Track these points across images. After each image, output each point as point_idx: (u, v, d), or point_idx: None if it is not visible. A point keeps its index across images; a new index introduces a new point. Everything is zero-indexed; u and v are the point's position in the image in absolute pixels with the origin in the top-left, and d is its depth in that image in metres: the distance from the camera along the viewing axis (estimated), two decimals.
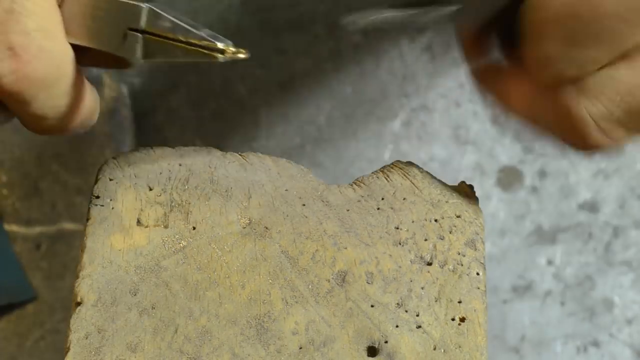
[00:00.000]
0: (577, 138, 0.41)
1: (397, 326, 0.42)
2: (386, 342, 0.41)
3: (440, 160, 0.78)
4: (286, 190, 0.45)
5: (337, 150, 0.78)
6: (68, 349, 0.40)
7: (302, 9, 0.81)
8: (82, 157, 0.80)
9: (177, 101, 0.79)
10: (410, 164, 0.46)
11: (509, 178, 0.78)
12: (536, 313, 0.74)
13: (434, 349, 0.41)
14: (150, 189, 0.44)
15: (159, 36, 0.41)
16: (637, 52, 0.40)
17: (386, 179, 0.45)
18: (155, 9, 0.41)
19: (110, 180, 0.44)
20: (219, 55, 0.41)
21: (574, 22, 0.39)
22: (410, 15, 0.42)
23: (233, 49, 0.41)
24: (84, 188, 0.78)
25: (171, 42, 0.41)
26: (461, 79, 0.80)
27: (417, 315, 0.42)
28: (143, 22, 0.40)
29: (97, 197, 0.44)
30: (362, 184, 0.45)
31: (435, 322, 0.42)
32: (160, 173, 0.44)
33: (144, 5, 0.41)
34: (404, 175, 0.45)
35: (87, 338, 0.41)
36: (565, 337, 0.74)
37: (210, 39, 0.41)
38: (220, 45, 0.41)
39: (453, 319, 0.42)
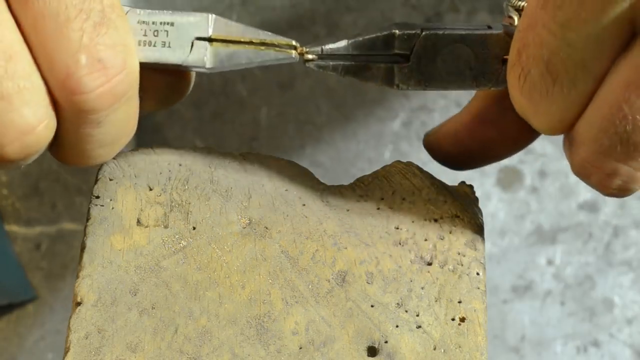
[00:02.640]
0: (600, 190, 0.41)
1: (397, 326, 0.42)
2: (386, 342, 0.41)
3: None
4: (286, 190, 0.45)
5: (337, 150, 0.78)
6: (68, 349, 0.41)
7: (302, 9, 0.81)
8: None
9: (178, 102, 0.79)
10: (410, 164, 0.46)
11: (509, 178, 0.78)
12: (536, 313, 0.74)
13: (434, 349, 0.41)
14: (150, 189, 0.44)
15: (229, 41, 0.40)
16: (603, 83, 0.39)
17: (386, 179, 0.45)
18: (219, 17, 0.40)
19: (110, 180, 0.44)
20: (293, 52, 0.41)
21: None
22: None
23: (302, 47, 0.41)
24: (84, 188, 0.78)
25: (242, 45, 0.41)
26: None
27: (417, 315, 0.42)
28: (210, 30, 0.40)
29: (97, 197, 0.44)
30: (362, 184, 0.45)
31: (435, 322, 0.42)
32: (160, 173, 0.44)
33: (211, 15, 0.40)
34: (404, 175, 0.45)
35: (87, 338, 0.41)
36: (565, 337, 0.74)
37: (283, 37, 0.41)
38: (294, 42, 0.41)
39: (453, 319, 0.42)
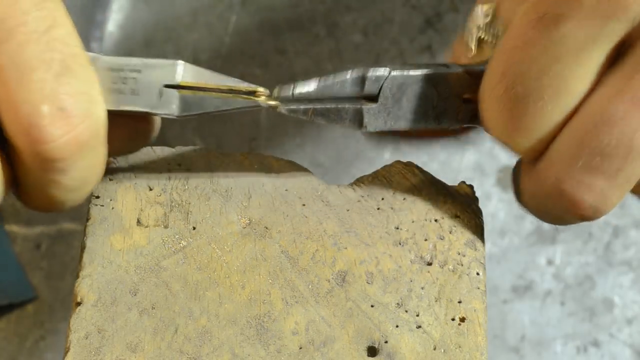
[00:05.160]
0: (571, 210, 0.41)
1: (397, 326, 0.42)
2: (386, 342, 0.41)
3: (440, 160, 0.78)
4: (286, 190, 0.45)
5: (337, 150, 0.78)
6: (68, 349, 0.41)
7: (302, 9, 0.81)
8: None
9: None
10: (410, 164, 0.46)
11: (509, 178, 0.78)
12: (536, 313, 0.74)
13: (434, 349, 0.41)
14: (150, 189, 0.44)
15: (196, 89, 0.41)
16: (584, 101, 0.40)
17: (386, 179, 0.45)
18: (187, 64, 0.41)
19: (110, 180, 0.44)
20: (261, 98, 0.41)
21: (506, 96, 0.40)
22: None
23: (269, 96, 0.41)
24: None
25: (209, 92, 0.41)
26: None
27: (417, 315, 0.42)
28: (179, 77, 0.40)
29: (97, 197, 0.44)
30: (362, 184, 0.45)
31: (435, 322, 0.42)
32: (160, 173, 0.44)
33: (179, 61, 0.40)
34: (404, 175, 0.45)
35: (87, 338, 0.41)
36: (565, 337, 0.73)
37: (250, 84, 0.41)
38: (261, 89, 0.41)
39: (453, 319, 0.42)
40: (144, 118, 0.42)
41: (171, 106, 0.41)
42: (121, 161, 0.45)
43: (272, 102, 0.42)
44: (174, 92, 0.41)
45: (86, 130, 0.38)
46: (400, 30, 0.81)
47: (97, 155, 0.40)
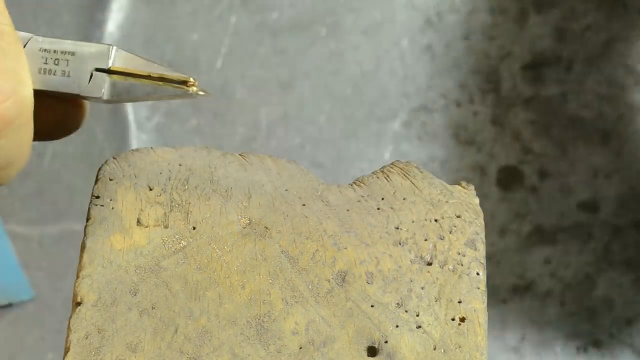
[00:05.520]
0: None
1: (397, 326, 0.42)
2: (386, 342, 0.41)
3: (440, 160, 0.78)
4: (286, 190, 0.45)
5: (337, 150, 0.78)
6: (68, 349, 0.41)
7: (302, 9, 0.81)
8: (82, 157, 0.80)
9: (177, 101, 0.79)
10: (410, 164, 0.46)
11: (509, 178, 0.78)
12: (536, 313, 0.74)
13: (434, 349, 0.41)
14: (150, 189, 0.44)
15: (127, 74, 0.41)
16: None
17: (386, 179, 0.45)
18: (121, 49, 0.41)
19: (110, 180, 0.44)
20: (192, 88, 0.41)
21: None
22: None
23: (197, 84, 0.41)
24: (84, 188, 0.78)
25: (140, 79, 0.41)
26: (461, 79, 0.80)
27: (417, 315, 0.42)
28: (110, 62, 0.40)
29: (97, 197, 0.44)
30: (362, 184, 0.45)
31: (435, 322, 0.42)
32: (160, 173, 0.44)
33: (111, 46, 0.41)
34: (404, 175, 0.45)
35: (87, 338, 0.41)
36: (565, 337, 0.74)
37: (181, 74, 0.41)
38: (191, 79, 0.41)
39: (453, 319, 0.42)
40: (75, 102, 0.42)
41: (100, 90, 0.41)
42: (121, 161, 0.45)
43: (202, 92, 0.42)
44: (105, 76, 0.41)
45: (11, 107, 0.38)
46: (400, 30, 0.81)
47: (23, 135, 0.39)
